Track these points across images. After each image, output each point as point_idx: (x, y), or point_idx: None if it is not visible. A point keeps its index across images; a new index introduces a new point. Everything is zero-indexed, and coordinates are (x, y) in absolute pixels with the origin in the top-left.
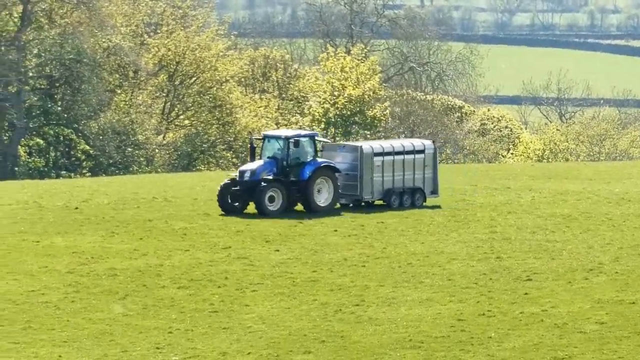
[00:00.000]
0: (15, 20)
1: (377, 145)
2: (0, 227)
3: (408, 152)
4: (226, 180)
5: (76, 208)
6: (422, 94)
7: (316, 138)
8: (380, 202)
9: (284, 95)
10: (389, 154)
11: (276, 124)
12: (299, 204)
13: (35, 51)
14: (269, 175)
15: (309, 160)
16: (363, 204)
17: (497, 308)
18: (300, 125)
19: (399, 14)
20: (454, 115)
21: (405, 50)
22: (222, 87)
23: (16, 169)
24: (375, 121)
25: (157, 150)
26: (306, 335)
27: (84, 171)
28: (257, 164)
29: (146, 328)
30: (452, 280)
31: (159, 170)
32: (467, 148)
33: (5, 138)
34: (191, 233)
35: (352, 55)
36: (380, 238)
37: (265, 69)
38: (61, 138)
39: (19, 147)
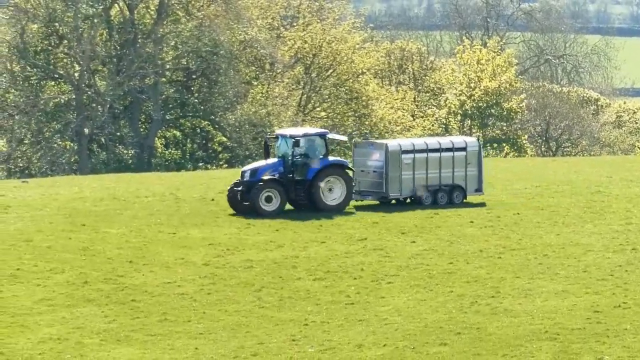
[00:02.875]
0: (152, 13)
1: (407, 142)
2: (137, 219)
3: (446, 150)
4: (236, 180)
5: (212, 200)
6: (558, 86)
7: (328, 136)
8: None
9: (420, 88)
10: (421, 151)
11: (412, 116)
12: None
13: (172, 44)
14: (274, 174)
15: (318, 159)
16: (393, 201)
17: (633, 300)
18: (437, 117)
19: (534, 6)
20: (589, 107)
21: (541, 43)
22: (359, 79)
23: (153, 160)
24: (512, 113)
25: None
26: (442, 327)
27: (221, 163)
28: (261, 163)
29: (282, 320)
30: (588, 272)
31: None
32: (603, 140)
33: (142, 130)
34: (327, 224)
35: (488, 47)
36: (516, 230)
37: (401, 61)
38: (198, 130)
39: (156, 139)
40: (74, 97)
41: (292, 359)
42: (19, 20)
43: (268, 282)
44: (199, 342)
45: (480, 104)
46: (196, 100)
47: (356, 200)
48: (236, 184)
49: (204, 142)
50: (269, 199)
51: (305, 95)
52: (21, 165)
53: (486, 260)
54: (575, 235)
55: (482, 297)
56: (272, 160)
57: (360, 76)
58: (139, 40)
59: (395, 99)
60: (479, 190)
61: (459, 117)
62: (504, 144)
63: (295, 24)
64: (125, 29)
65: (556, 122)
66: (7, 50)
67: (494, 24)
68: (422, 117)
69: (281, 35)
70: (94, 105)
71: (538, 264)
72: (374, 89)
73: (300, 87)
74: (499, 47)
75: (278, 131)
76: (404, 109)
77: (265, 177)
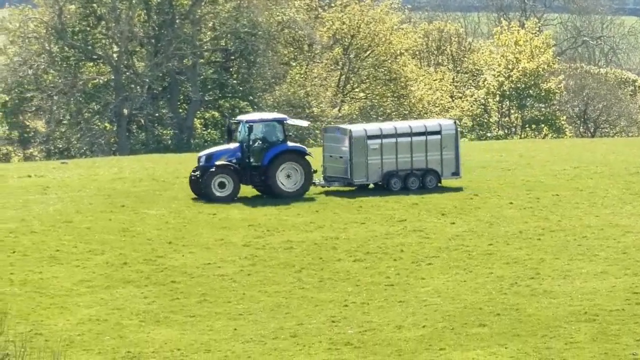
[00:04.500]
0: None
1: (374, 127)
2: (176, 200)
3: (417, 134)
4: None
5: None
6: (596, 67)
7: (288, 122)
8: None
9: (458, 69)
10: (389, 136)
11: (451, 97)
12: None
13: (210, 24)
14: (231, 159)
15: (274, 144)
16: (366, 186)
17: None
18: (476, 98)
19: None
20: (627, 88)
21: (578, 24)
22: (397, 60)
23: (192, 141)
24: (550, 94)
25: (332, 123)
26: (481, 309)
27: None
28: (218, 148)
29: (322, 301)
30: (627, 253)
31: None
32: None
33: (181, 111)
34: (367, 206)
35: (526, 29)
36: (555, 211)
37: (439, 42)
38: (236, 110)
39: (195, 119)
40: (112, 78)
41: (332, 340)
42: (57, 1)
43: (308, 263)
44: (238, 323)
45: (519, 85)
46: (235, 81)
47: (322, 187)
48: (195, 169)
49: None
50: (222, 185)
51: (344, 76)
52: (60, 146)
53: (525, 242)
54: (614, 217)
55: (521, 278)
56: (230, 145)
57: (399, 57)
58: (177, 21)
59: (434, 80)
60: (456, 173)
61: (497, 98)
62: (543, 125)
63: (333, 5)
64: (163, 9)
65: (594, 103)
66: (45, 31)
67: (532, 5)
68: (461, 98)
69: (319, 16)
70: (132, 86)
71: (577, 246)
72: (413, 70)
73: (338, 67)
74: (537, 29)
75: (239, 117)
76: (442, 90)
77: (219, 163)
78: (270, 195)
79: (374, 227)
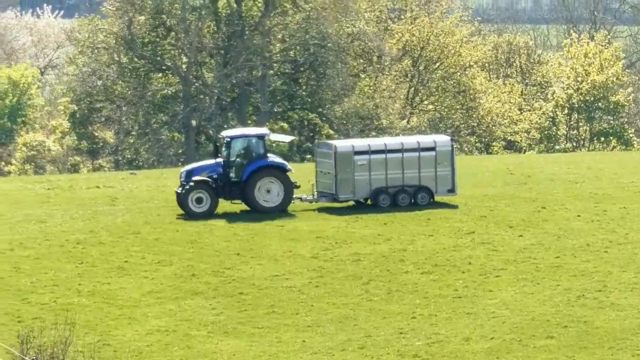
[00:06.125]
0: (260, 5)
1: (362, 143)
2: (244, 211)
3: (409, 150)
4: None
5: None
6: None
7: (270, 137)
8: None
9: (527, 81)
10: (378, 152)
11: (519, 109)
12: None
13: (280, 36)
14: (212, 174)
15: (255, 160)
16: (351, 204)
17: None
18: (544, 111)
19: None
20: None
21: None
22: (466, 72)
23: None
24: (619, 107)
25: (401, 135)
26: (549, 321)
27: None
28: (200, 164)
29: (390, 313)
30: None
31: None
32: None
33: (250, 122)
34: (435, 218)
35: (595, 41)
36: (622, 224)
37: (508, 54)
38: (305, 122)
39: None
40: (181, 88)
41: (400, 352)
42: (126, 12)
43: (376, 275)
44: (307, 335)
45: (587, 98)
46: (304, 93)
47: (309, 202)
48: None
49: (311, 134)
50: (199, 200)
51: (413, 88)
52: (129, 156)
53: (593, 254)
54: None
55: (588, 290)
56: (212, 161)
57: (468, 69)
58: (246, 32)
59: (503, 92)
60: (451, 190)
61: (565, 111)
62: (611, 138)
63: (402, 17)
64: (232, 21)
65: None
66: (114, 42)
67: (601, 17)
68: (529, 110)
69: (389, 28)
70: (201, 97)
71: None
72: (482, 82)
73: (407, 79)
74: (606, 41)
75: (223, 132)
76: (511, 102)
77: (196, 179)
78: (253, 210)
79: (442, 239)
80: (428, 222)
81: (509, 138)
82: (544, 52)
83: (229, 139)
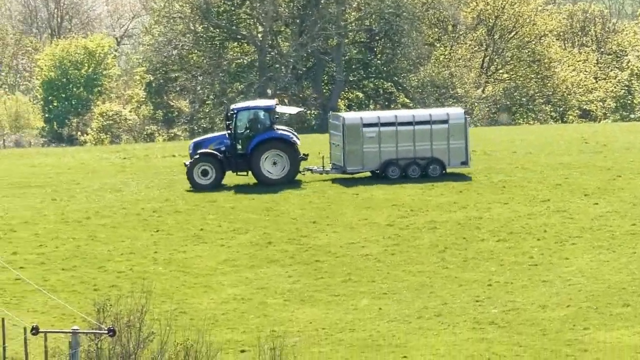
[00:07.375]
0: None
1: (370, 115)
2: (319, 179)
3: (421, 123)
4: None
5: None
6: None
7: (276, 109)
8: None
9: (602, 50)
10: (388, 124)
11: (594, 78)
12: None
13: (355, 5)
14: (220, 147)
15: (261, 132)
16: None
17: None
18: (620, 80)
19: None
20: None
21: None
22: (541, 41)
23: None
24: None
25: (476, 104)
26: (625, 289)
27: None
28: (208, 136)
29: (466, 281)
30: None
31: (477, 124)
32: None
33: (325, 91)
34: (510, 186)
35: None
36: None
37: (583, 23)
38: (380, 91)
39: (339, 100)
40: (257, 58)
41: (476, 319)
42: None
43: (452, 243)
44: (383, 302)
45: None
46: (379, 62)
47: (319, 174)
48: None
49: (386, 103)
50: (205, 173)
51: (488, 57)
52: (204, 125)
53: None
54: None
55: None
56: (220, 133)
57: (543, 38)
58: (322, 1)
59: (578, 61)
60: (465, 163)
61: None
62: None
63: None
64: None
65: None
66: (190, 11)
67: None
68: (605, 79)
69: None
70: (277, 66)
71: None
72: (557, 51)
73: (482, 49)
74: None
75: (233, 105)
76: (586, 71)
77: (203, 151)
78: (259, 182)
79: (517, 207)
80: (503, 190)
81: (584, 107)
82: (619, 20)
83: (235, 111)
